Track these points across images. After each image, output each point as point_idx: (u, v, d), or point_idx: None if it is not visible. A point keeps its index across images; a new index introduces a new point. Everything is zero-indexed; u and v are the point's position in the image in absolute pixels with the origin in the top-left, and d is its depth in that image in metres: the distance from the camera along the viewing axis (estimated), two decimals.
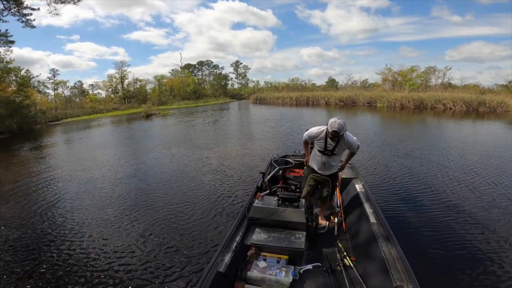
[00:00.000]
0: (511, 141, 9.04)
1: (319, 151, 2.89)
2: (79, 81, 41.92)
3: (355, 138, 2.85)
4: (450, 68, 33.94)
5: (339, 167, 3.12)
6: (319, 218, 3.14)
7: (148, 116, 22.73)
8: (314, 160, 3.00)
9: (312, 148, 3.09)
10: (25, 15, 15.35)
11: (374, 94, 25.22)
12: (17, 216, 4.55)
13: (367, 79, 43.29)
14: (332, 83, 49.41)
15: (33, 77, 29.99)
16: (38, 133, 15.51)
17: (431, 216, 3.93)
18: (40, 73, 59.17)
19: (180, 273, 2.88)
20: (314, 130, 2.91)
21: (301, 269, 2.36)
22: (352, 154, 3.04)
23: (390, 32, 77.80)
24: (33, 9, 15.57)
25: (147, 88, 44.73)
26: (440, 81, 33.08)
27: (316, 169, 2.99)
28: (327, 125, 2.69)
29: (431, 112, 18.71)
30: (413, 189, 4.97)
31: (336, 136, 2.62)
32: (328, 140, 2.77)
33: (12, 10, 14.97)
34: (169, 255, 3.21)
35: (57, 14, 16.21)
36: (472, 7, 63.47)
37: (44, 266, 3.13)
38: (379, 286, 1.97)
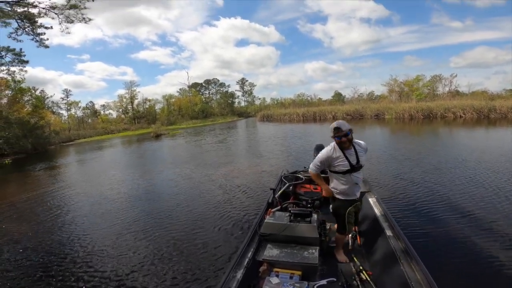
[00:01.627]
0: None
1: (345, 172, 2.42)
2: (91, 102, 43.48)
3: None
4: (456, 76, 33.75)
5: None
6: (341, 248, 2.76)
7: (157, 136, 23.22)
8: (344, 188, 2.50)
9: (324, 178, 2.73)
10: (39, 34, 16.01)
11: (382, 106, 25.12)
12: (29, 234, 4.63)
13: (373, 91, 43.50)
14: (338, 97, 49.73)
15: (47, 98, 31.21)
16: (52, 154, 15.91)
17: (454, 231, 3.68)
18: (54, 93, 61.48)
19: None
20: (324, 153, 2.48)
21: (315, 284, 2.27)
22: None
23: (393, 42, 77.95)
24: (46, 27, 16.23)
25: (156, 108, 45.89)
26: (447, 89, 32.84)
27: (352, 197, 2.53)
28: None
29: (441, 122, 18.43)
30: (433, 203, 4.67)
31: (339, 133, 2.32)
32: (346, 153, 2.40)
33: (26, 29, 15.59)
34: (181, 273, 3.18)
35: (69, 33, 17.02)
36: (470, 11, 63.84)
37: (55, 284, 3.14)
38: None
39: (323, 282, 2.31)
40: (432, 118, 20.32)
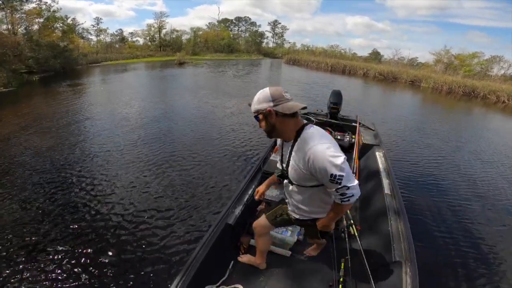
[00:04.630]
0: None
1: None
2: (120, 29, 43.61)
3: (332, 153, 1.10)
4: None
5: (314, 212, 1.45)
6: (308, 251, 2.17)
7: (181, 63, 23.40)
8: None
9: None
10: None
11: (421, 73, 22.81)
12: (44, 148, 4.87)
13: (417, 57, 39.21)
14: (375, 56, 45.31)
15: (78, 25, 31.33)
16: (78, 73, 16.40)
17: (447, 201, 3.89)
18: (85, 21, 60.25)
19: (192, 223, 2.98)
20: None
21: None
22: (336, 205, 1.26)
23: (462, 13, 66.64)
24: None
25: (182, 38, 44.63)
26: (502, 72, 29.01)
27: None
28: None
29: (481, 102, 16.82)
30: (436, 172, 4.85)
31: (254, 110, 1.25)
32: (285, 145, 1.37)
33: None
34: (184, 203, 3.33)
35: None
36: None
37: (61, 201, 3.32)
38: (379, 259, 1.95)
39: None
40: (472, 96, 18.52)
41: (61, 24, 21.13)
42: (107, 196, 3.44)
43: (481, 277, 2.57)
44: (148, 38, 41.74)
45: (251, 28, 54.01)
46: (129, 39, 42.83)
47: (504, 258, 2.84)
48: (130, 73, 17.17)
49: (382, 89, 17.72)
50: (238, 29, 54.64)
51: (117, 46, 39.37)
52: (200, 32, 46.67)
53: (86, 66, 19.97)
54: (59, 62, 15.97)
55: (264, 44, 54.23)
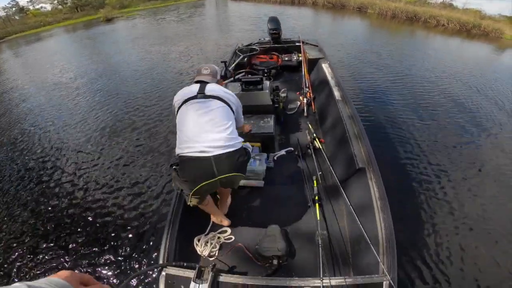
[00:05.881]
0: (494, 64, 8.72)
1: None
2: (13, 0, 35.27)
3: None
4: None
5: None
6: None
7: (109, 20, 20.31)
8: None
9: None
10: None
11: (367, 0, 22.99)
12: None
13: None
14: None
15: None
16: None
17: (395, 109, 4.29)
18: None
19: (161, 183, 2.91)
20: None
21: (275, 155, 2.32)
22: None
23: None
24: None
25: None
26: (441, 0, 30.25)
27: None
28: None
29: (422, 26, 17.76)
30: (384, 84, 5.30)
31: None
32: None
33: None
34: (147, 166, 3.19)
35: None
36: None
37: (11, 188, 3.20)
38: (345, 168, 2.00)
39: (282, 152, 2.34)
40: (414, 21, 19.39)
41: None
42: (71, 173, 3.25)
43: (432, 182, 2.85)
44: (56, 1, 35.63)
45: None
46: (31, 7, 36.75)
47: (450, 168, 3.14)
48: (48, 41, 15.18)
49: (332, 16, 18.16)
50: None
51: (17, 18, 33.63)
52: None
53: None
54: None
55: None
